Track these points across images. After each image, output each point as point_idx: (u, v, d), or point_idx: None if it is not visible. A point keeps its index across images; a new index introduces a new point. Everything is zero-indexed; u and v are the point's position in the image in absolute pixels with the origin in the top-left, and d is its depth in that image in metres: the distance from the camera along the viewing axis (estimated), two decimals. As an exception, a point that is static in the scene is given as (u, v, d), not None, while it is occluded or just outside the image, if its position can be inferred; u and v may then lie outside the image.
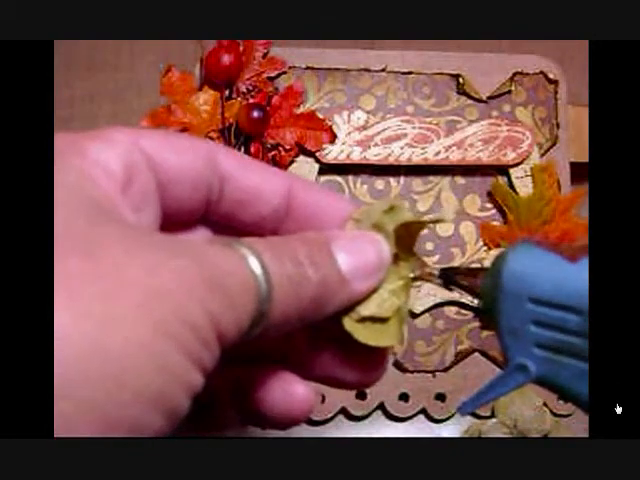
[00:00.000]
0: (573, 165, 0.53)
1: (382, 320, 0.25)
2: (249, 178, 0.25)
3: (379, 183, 0.52)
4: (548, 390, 0.24)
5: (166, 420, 0.18)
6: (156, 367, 0.17)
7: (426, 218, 0.26)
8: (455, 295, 0.51)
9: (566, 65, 0.54)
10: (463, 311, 0.51)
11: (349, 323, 0.25)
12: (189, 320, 0.18)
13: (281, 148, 0.49)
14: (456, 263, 0.52)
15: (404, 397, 0.51)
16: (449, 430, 0.51)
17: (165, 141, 0.23)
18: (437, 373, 0.51)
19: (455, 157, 0.51)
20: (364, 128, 0.51)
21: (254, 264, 0.21)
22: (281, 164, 0.49)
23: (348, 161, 0.50)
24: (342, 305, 0.24)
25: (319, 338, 0.27)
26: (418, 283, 0.51)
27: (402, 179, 0.52)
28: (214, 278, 0.19)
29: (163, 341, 0.17)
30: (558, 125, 0.53)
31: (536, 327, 0.23)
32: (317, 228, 0.26)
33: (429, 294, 0.51)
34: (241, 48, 0.49)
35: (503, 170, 0.53)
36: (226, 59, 0.48)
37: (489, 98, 0.53)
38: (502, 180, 0.53)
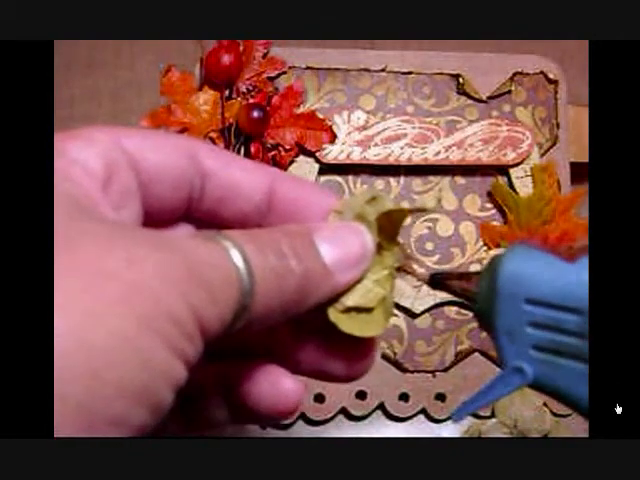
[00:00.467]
0: (573, 165, 0.53)
1: (367, 310, 0.25)
2: (230, 174, 0.25)
3: (379, 183, 0.52)
4: (544, 394, 0.24)
5: (150, 414, 0.18)
6: (139, 361, 0.17)
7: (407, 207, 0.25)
8: (455, 295, 0.51)
9: (566, 65, 0.54)
10: (463, 311, 0.51)
11: (334, 314, 0.25)
12: (171, 313, 0.18)
13: (281, 148, 0.49)
14: (456, 263, 0.52)
15: (404, 397, 0.51)
16: (449, 430, 0.51)
17: (145, 140, 0.23)
18: (437, 373, 0.51)
19: (455, 157, 0.51)
20: (364, 128, 0.51)
21: (236, 257, 0.21)
22: (281, 164, 0.49)
23: (348, 161, 0.50)
24: (326, 296, 0.24)
25: (305, 331, 0.27)
26: (418, 283, 0.51)
27: (402, 179, 0.52)
28: (196, 271, 0.19)
29: (146, 335, 0.17)
30: (558, 125, 0.53)
31: (533, 329, 0.23)
32: (300, 222, 0.25)
33: (429, 294, 0.51)
34: (241, 48, 0.49)
35: (503, 170, 0.53)
36: (226, 59, 0.48)
37: (489, 98, 0.53)
38: (502, 180, 0.53)
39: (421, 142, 0.51)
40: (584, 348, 0.22)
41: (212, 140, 0.48)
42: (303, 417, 0.50)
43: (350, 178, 0.52)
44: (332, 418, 0.50)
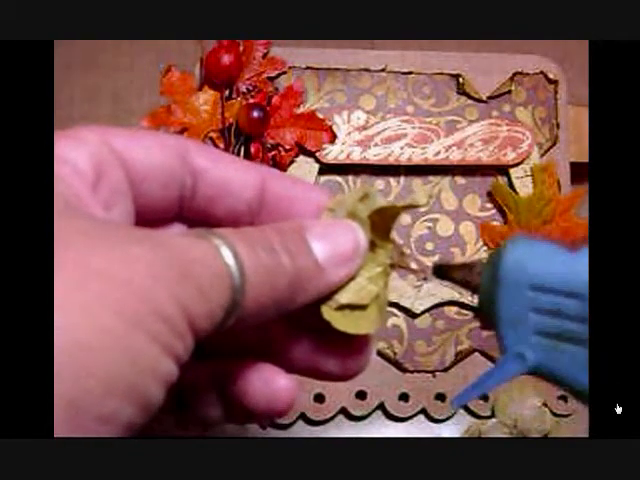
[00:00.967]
0: (573, 165, 0.53)
1: (361, 307, 0.25)
2: (221, 173, 0.25)
3: (379, 183, 0.52)
4: (544, 380, 0.24)
5: (140, 411, 0.18)
6: (128, 359, 0.17)
7: (400, 204, 0.25)
8: (455, 295, 0.51)
9: (566, 65, 0.54)
10: (463, 311, 0.51)
11: (327, 312, 0.25)
12: (160, 311, 0.18)
13: (281, 148, 0.49)
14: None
15: (404, 397, 0.51)
16: (449, 430, 0.51)
17: (135, 139, 0.23)
18: (437, 373, 0.51)
19: (455, 157, 0.51)
20: (364, 128, 0.51)
21: (227, 254, 0.21)
22: (281, 164, 0.49)
23: (348, 161, 0.50)
24: (319, 294, 0.24)
25: (299, 329, 0.27)
26: (418, 283, 0.51)
27: (402, 179, 0.52)
28: (186, 269, 0.19)
29: (135, 332, 0.17)
30: (558, 125, 0.53)
31: (536, 314, 0.24)
32: (292, 220, 0.25)
33: (429, 294, 0.51)
34: (241, 48, 0.49)
35: (503, 170, 0.53)
36: (226, 59, 0.48)
37: (489, 98, 0.53)
38: (502, 180, 0.53)
39: (421, 142, 0.51)
40: (586, 333, 0.22)
41: (212, 140, 0.48)
42: (303, 417, 0.50)
43: (350, 178, 0.52)
44: (332, 418, 0.50)
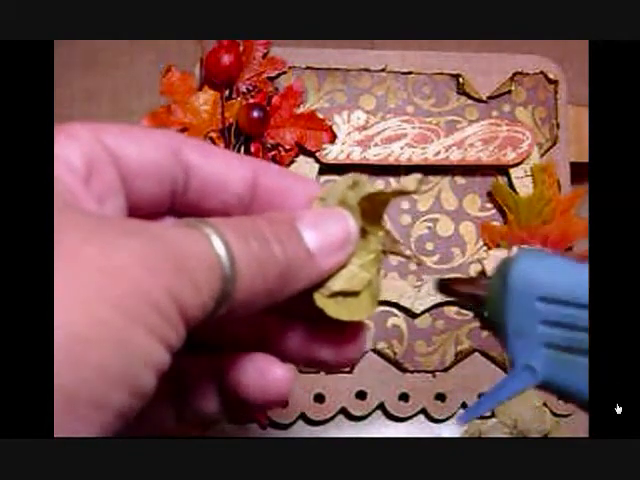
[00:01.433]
0: (573, 165, 0.53)
1: (353, 294, 0.25)
2: (212, 167, 0.25)
3: (379, 183, 0.52)
4: (553, 393, 0.24)
5: (132, 397, 0.18)
6: (119, 346, 0.18)
7: (390, 190, 0.25)
8: (455, 295, 0.51)
9: (566, 65, 0.54)
10: (463, 311, 0.51)
11: (320, 299, 0.25)
12: (151, 300, 0.18)
13: (281, 148, 0.49)
14: (456, 263, 0.52)
15: (404, 397, 0.51)
16: (449, 430, 0.51)
17: (127, 135, 0.24)
18: (437, 373, 0.51)
19: (455, 157, 0.51)
20: (364, 128, 0.51)
21: (217, 244, 0.21)
22: (281, 164, 0.49)
23: (348, 161, 0.50)
24: (311, 282, 0.24)
25: (293, 318, 0.27)
26: (418, 283, 0.51)
27: (402, 179, 0.52)
28: (177, 258, 0.19)
29: (126, 320, 0.18)
30: (558, 125, 0.53)
31: (545, 327, 0.23)
32: (284, 210, 0.26)
33: (429, 294, 0.51)
34: (241, 48, 0.49)
35: (503, 170, 0.53)
36: (226, 59, 0.48)
37: (489, 98, 0.53)
38: (502, 180, 0.53)
39: (421, 142, 0.51)
40: None
41: (212, 140, 0.48)
42: (303, 417, 0.50)
43: (350, 178, 0.52)
44: (332, 418, 0.50)
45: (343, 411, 0.50)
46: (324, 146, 0.50)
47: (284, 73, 0.51)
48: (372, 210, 0.25)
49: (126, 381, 0.18)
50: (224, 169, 0.25)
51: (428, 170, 0.52)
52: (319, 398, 0.50)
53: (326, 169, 0.51)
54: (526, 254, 0.25)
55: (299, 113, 0.50)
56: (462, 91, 0.52)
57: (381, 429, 0.51)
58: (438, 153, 0.51)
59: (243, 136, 0.48)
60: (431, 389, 0.51)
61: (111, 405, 0.18)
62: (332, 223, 0.25)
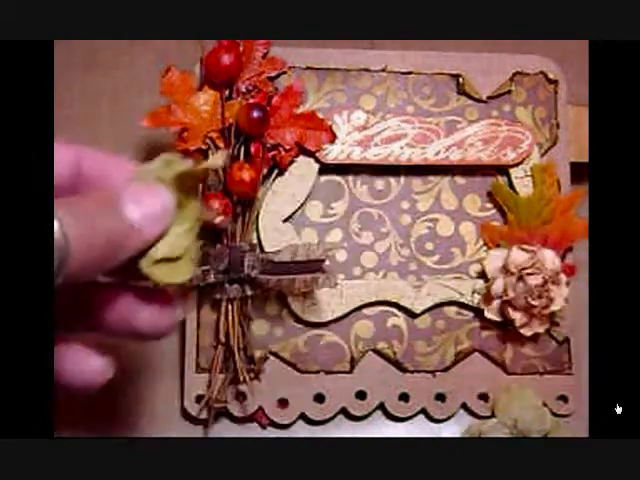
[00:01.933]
0: (573, 165, 0.53)
1: (174, 260, 0.29)
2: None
3: (379, 183, 0.52)
4: None
5: None
6: None
7: (201, 166, 0.30)
8: (455, 295, 0.51)
9: (566, 65, 0.54)
10: (463, 311, 0.51)
11: (145, 266, 0.29)
12: None
13: (281, 148, 0.49)
14: (456, 263, 0.52)
15: (404, 397, 0.51)
16: (449, 430, 0.51)
17: None
18: (437, 373, 0.51)
19: (455, 157, 0.51)
20: (364, 128, 0.51)
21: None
22: (281, 164, 0.49)
23: (348, 161, 0.50)
24: (137, 250, 0.28)
25: (118, 291, 0.31)
26: (418, 283, 0.51)
27: (402, 179, 0.52)
28: None
29: None
30: (558, 125, 0.53)
31: None
32: (107, 189, 0.29)
33: (429, 294, 0.51)
34: (241, 48, 0.49)
35: (503, 170, 0.53)
36: (226, 59, 0.48)
37: (489, 98, 0.53)
38: (502, 180, 0.53)
39: (421, 142, 0.51)
40: None
41: (212, 140, 0.48)
42: (303, 417, 0.50)
43: (350, 178, 0.52)
44: (332, 418, 0.50)
45: (343, 411, 0.50)
46: (324, 146, 0.50)
47: (284, 73, 0.51)
48: (186, 185, 0.30)
49: None
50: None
51: (428, 170, 0.52)
52: (319, 398, 0.50)
53: (326, 169, 0.51)
54: None
55: (299, 113, 0.50)
56: (462, 91, 0.52)
57: (381, 429, 0.51)
58: (438, 153, 0.51)
59: (243, 136, 0.48)
60: (431, 389, 0.51)
61: None
62: (151, 197, 0.29)
